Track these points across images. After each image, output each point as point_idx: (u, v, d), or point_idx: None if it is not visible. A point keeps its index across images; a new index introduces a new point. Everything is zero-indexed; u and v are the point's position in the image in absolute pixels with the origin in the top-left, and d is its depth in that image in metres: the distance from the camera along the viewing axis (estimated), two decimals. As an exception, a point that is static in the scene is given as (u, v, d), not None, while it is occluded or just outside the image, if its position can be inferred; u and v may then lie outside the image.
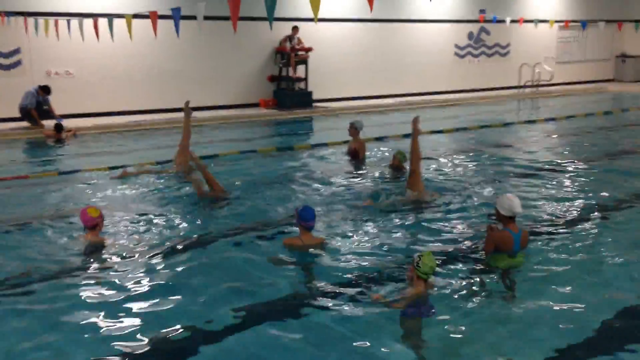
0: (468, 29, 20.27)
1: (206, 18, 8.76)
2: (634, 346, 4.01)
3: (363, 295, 4.64)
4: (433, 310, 4.32)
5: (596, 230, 6.13)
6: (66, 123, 12.45)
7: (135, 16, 9.95)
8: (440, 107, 17.58)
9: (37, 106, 12.76)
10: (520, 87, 20.28)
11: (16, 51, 13.41)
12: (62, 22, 11.92)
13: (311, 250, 5.52)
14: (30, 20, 11.98)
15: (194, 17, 8.52)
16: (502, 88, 20.84)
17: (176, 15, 7.48)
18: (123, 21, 9.97)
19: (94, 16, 11.54)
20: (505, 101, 18.90)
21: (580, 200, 7.21)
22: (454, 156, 10.02)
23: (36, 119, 12.73)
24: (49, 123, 12.68)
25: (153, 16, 8.12)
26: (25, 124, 12.89)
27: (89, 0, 13.75)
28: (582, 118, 14.69)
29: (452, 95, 19.42)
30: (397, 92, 18.84)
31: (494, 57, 21.16)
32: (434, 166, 9.09)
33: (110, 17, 10.10)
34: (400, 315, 4.26)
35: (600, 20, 17.37)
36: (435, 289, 4.66)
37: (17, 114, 12.89)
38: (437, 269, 4.59)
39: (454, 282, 4.84)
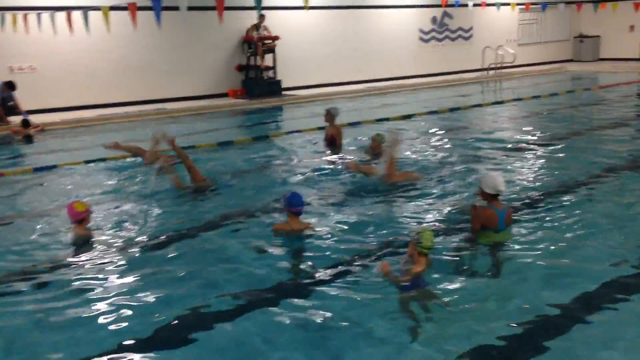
0: (432, 14, 20.51)
1: (171, 9, 8.67)
2: (610, 314, 4.19)
3: (355, 275, 4.74)
4: (427, 282, 4.46)
5: (572, 204, 6.36)
6: (32, 118, 12.20)
7: (113, 8, 9.78)
8: (408, 91, 17.78)
9: (2, 102, 12.46)
10: (484, 69, 20.63)
11: (-23, 47, 13.07)
12: (31, 16, 11.60)
13: (300, 234, 5.60)
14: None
15: (164, 9, 8.49)
16: (467, 71, 21.18)
17: (157, 6, 7.39)
18: (81, 14, 9.81)
19: (67, 9, 11.30)
20: (470, 84, 19.22)
21: (556, 176, 7.47)
22: (429, 139, 10.20)
23: (1, 115, 12.44)
24: (15, 119, 12.41)
25: (132, 7, 8.02)
26: (-10, 121, 12.59)
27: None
28: (546, 98, 15.08)
29: (418, 80, 19.66)
30: (364, 78, 18.99)
31: (458, 40, 21.46)
32: (412, 148, 9.24)
33: (85, 9, 9.90)
34: (403, 290, 4.38)
35: (560, 2, 17.77)
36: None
37: (-19, 112, 12.58)
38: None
39: (442, 258, 4.98)
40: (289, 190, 6.15)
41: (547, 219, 5.92)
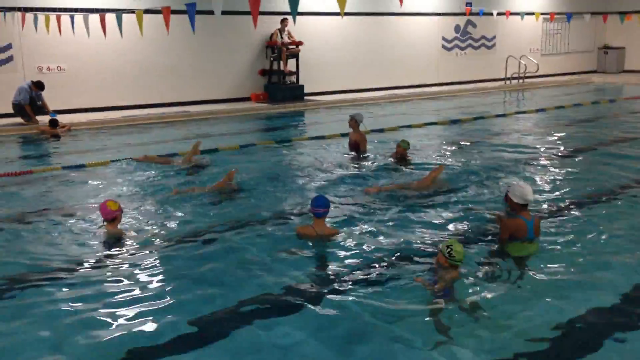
0: (455, 22, 20.48)
1: (200, 13, 8.82)
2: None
3: (380, 282, 4.74)
4: (454, 292, 4.49)
5: (600, 216, 6.33)
6: (59, 118, 12.38)
7: (147, 11, 9.94)
8: (429, 99, 17.76)
9: (30, 102, 12.66)
10: (507, 79, 20.55)
11: (7, 47, 13.29)
12: (64, 17, 11.80)
13: (324, 239, 5.57)
14: (30, 16, 11.84)
15: (185, 12, 8.64)
16: (489, 80, 21.11)
17: (191, 11, 7.49)
18: (114, 17, 9.98)
19: (100, 11, 11.49)
20: (492, 93, 19.15)
21: (582, 187, 7.43)
22: (452, 147, 10.19)
23: (30, 115, 12.64)
24: (43, 119, 12.61)
25: (166, 12, 8.14)
26: (19, 120, 12.79)
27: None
28: (570, 109, 14.97)
29: (440, 88, 19.63)
30: (386, 85, 19.00)
31: (481, 49, 21.40)
32: (433, 156, 9.24)
33: (119, 12, 10.06)
34: (438, 297, 4.39)
35: (586, 12, 17.66)
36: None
37: (10, 110, 12.78)
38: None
39: (470, 268, 4.96)
40: (313, 196, 6.16)
41: (574, 230, 5.88)
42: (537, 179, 7.87)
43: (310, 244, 5.56)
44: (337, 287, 4.71)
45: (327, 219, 5.77)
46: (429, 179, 7.32)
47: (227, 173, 7.48)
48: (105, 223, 5.74)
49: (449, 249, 4.50)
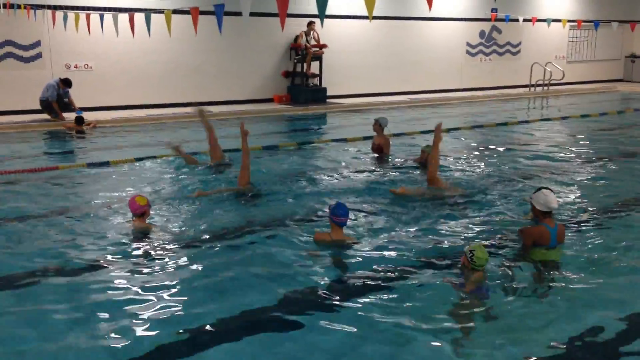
0: (480, 28, 20.37)
1: (226, 14, 8.90)
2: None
3: (397, 289, 4.71)
4: (489, 293, 4.56)
5: (624, 225, 6.27)
6: (85, 115, 12.56)
7: (175, 12, 10.07)
8: (452, 105, 17.69)
9: (57, 99, 12.86)
10: (532, 85, 20.37)
11: (36, 44, 13.53)
12: (94, 16, 11.98)
13: (340, 247, 5.51)
14: (59, 14, 12.04)
15: (211, 13, 8.69)
16: (513, 87, 20.95)
17: (219, 12, 7.56)
18: (143, 17, 10.10)
19: (129, 11, 11.64)
20: (516, 100, 19.01)
21: (607, 196, 7.36)
22: (474, 153, 10.14)
23: (57, 111, 12.84)
24: (69, 115, 12.80)
25: (194, 12, 8.23)
26: (45, 116, 13.00)
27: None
28: (595, 117, 14.81)
29: (462, 93, 19.54)
30: (409, 90, 18.97)
31: (505, 55, 21.26)
32: (455, 162, 9.20)
33: (148, 12, 10.19)
34: (468, 294, 4.47)
35: (613, 20, 17.44)
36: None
37: (37, 107, 13.00)
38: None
39: (492, 274, 4.94)
40: (334, 200, 6.15)
41: (598, 238, 5.83)
42: (562, 186, 7.80)
43: (329, 250, 5.50)
44: (349, 294, 4.66)
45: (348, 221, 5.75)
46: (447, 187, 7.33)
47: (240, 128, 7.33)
48: (133, 218, 5.87)
49: (471, 254, 4.61)
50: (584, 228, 6.12)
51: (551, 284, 4.91)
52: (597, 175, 8.48)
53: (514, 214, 6.51)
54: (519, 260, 5.23)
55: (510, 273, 4.98)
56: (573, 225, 6.19)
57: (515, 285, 4.81)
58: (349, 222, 5.77)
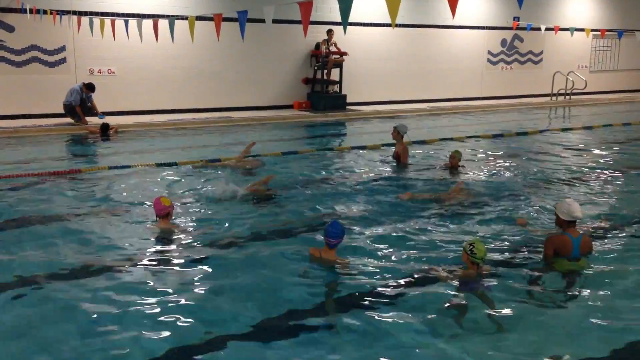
0: (502, 36, 20.27)
1: (249, 21, 8.98)
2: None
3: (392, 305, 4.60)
4: (486, 286, 4.64)
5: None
6: (107, 119, 12.71)
7: (198, 18, 10.20)
8: (472, 113, 17.60)
9: (81, 103, 13.04)
10: (553, 95, 20.20)
11: (61, 49, 13.74)
12: (119, 22, 12.15)
13: (328, 267, 5.18)
14: (85, 19, 12.22)
15: (234, 20, 8.77)
16: (535, 96, 20.79)
17: (242, 19, 7.62)
18: (166, 22, 10.22)
19: (154, 17, 11.78)
20: (538, 109, 18.86)
21: (631, 207, 7.24)
22: (494, 161, 10.07)
23: (81, 115, 13.01)
24: (92, 119, 12.97)
25: (217, 19, 8.30)
26: (68, 120, 13.18)
27: (138, 1, 14.20)
28: (618, 127, 14.64)
29: (483, 102, 19.43)
30: (429, 98, 18.93)
31: (527, 64, 21.12)
32: (475, 171, 9.14)
33: (172, 18, 10.31)
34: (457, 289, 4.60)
35: (637, 30, 17.23)
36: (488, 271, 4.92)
37: (61, 110, 13.18)
38: (500, 268, 4.83)
39: (511, 283, 4.90)
40: (334, 219, 5.83)
41: (623, 250, 5.74)
42: (584, 196, 7.72)
43: (318, 265, 5.23)
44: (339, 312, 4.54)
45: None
46: (456, 190, 7.39)
47: (266, 176, 7.70)
48: (158, 219, 5.96)
49: (471, 247, 4.75)
50: (608, 239, 6.03)
51: (569, 296, 4.83)
52: (621, 187, 8.36)
53: (535, 223, 6.44)
54: (539, 270, 5.17)
55: (529, 283, 4.93)
56: (597, 235, 6.10)
57: (532, 296, 4.76)
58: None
